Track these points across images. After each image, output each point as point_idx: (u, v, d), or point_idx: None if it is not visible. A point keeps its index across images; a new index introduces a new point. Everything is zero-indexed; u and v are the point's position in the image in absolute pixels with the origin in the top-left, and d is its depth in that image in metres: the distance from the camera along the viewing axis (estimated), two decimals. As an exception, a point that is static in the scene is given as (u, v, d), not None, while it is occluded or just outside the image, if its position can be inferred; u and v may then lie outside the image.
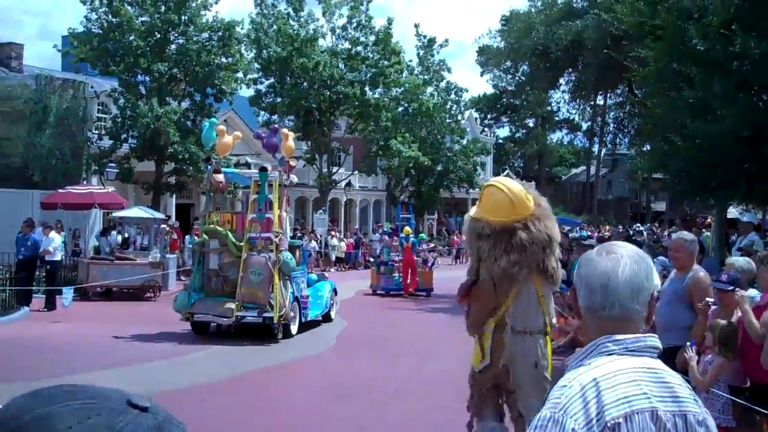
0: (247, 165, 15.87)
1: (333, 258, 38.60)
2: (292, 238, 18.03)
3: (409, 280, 25.33)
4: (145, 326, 17.16)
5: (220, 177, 16.35)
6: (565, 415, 2.10)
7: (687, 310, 7.28)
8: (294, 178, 17.23)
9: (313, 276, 19.09)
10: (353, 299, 23.92)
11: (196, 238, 17.77)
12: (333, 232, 40.25)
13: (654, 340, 2.27)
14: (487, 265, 5.78)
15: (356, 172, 48.83)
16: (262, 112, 44.14)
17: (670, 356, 6.01)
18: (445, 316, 20.51)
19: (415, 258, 25.78)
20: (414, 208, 45.30)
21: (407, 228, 26.38)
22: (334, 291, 19.11)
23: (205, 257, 16.25)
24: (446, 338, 16.35)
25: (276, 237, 15.87)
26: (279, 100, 42.02)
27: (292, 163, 16.57)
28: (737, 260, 8.06)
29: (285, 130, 17.16)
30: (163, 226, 26.94)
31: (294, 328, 16.51)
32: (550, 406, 2.14)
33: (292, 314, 16.31)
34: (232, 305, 15.59)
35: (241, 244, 15.88)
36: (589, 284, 2.30)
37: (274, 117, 43.03)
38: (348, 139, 45.95)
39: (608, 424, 2.08)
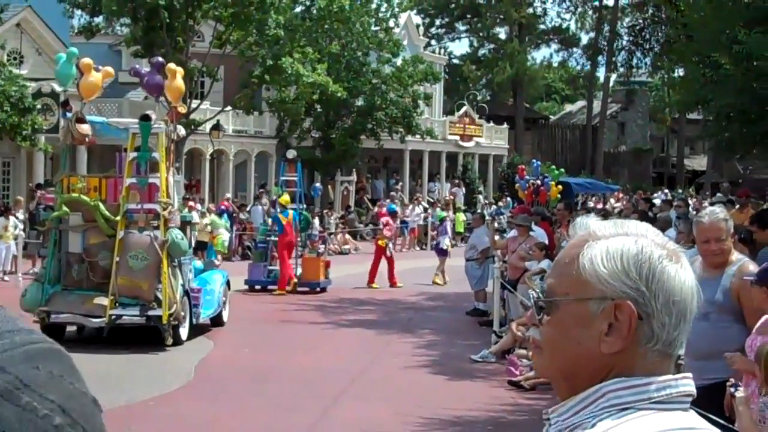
0: (54, 96, 11.80)
1: (193, 242, 26.81)
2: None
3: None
4: None
5: (86, 128, 13.32)
6: None
7: (736, 325, 5.93)
8: (182, 130, 14.94)
9: (199, 263, 15.89)
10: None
11: (49, 211, 14.66)
12: (191, 204, 24.89)
13: (688, 384, 1.63)
14: None
15: (229, 108, 33.36)
16: (78, 12, 31.30)
17: (711, 396, 4.98)
18: (367, 332, 15.32)
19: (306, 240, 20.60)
20: (306, 163, 31.76)
21: (285, 196, 20.41)
22: (227, 284, 15.59)
23: (64, 237, 13.55)
24: (370, 369, 12.21)
25: (164, 209, 13.19)
26: (106, -9, 29.33)
27: (181, 108, 14.22)
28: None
29: (172, 65, 14.54)
30: None
31: (184, 333, 13.50)
32: None
33: (183, 313, 13.31)
34: (104, 300, 12.90)
35: (116, 219, 13.16)
36: (678, 303, 1.59)
37: (98, 20, 31.28)
38: (216, 56, 31.79)
39: None
